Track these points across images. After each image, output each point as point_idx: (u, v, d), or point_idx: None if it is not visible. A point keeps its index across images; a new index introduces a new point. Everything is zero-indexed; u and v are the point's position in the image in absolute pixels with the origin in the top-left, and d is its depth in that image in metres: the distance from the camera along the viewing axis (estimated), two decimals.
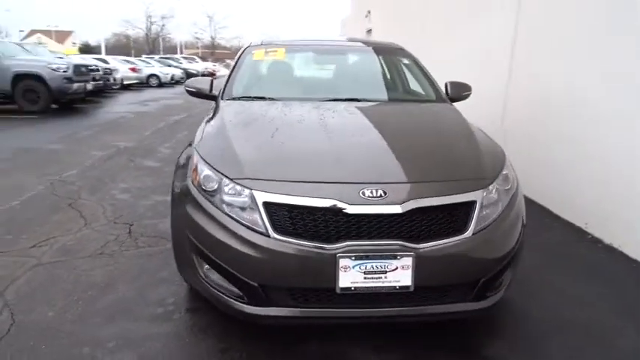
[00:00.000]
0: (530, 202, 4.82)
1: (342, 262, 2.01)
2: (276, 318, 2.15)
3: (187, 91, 3.53)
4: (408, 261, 2.03)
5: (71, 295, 2.83)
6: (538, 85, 4.87)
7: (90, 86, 12.62)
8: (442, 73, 4.25)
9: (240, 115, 2.88)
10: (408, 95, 3.33)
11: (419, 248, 2.05)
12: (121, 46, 62.93)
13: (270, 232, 2.06)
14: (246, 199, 2.12)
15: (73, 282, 3.01)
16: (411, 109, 3.03)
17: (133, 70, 21.30)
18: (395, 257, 2.03)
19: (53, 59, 11.80)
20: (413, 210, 2.06)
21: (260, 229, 2.07)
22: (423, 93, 3.48)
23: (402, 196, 2.07)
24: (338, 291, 2.04)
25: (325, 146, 2.44)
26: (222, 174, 2.23)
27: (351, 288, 2.04)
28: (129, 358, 2.27)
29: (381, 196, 2.06)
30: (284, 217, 2.06)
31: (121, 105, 14.38)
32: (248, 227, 2.09)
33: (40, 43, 61.76)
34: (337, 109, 2.96)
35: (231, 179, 2.19)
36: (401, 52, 3.89)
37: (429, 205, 2.08)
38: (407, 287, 2.06)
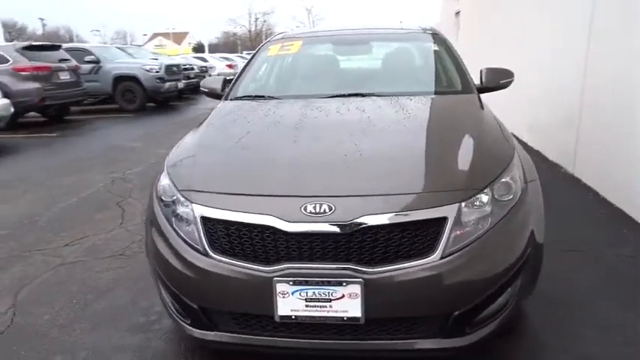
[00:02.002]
0: (604, 204, 4.12)
1: (280, 288, 1.77)
2: (220, 343, 1.97)
3: (202, 91, 3.46)
4: (356, 288, 1.73)
5: (72, 299, 2.89)
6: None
7: (181, 85, 13.30)
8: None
9: (224, 118, 2.71)
10: (424, 87, 2.91)
11: (370, 273, 1.73)
12: (231, 44, 66.40)
13: (208, 250, 1.87)
14: (190, 212, 1.95)
15: (80, 284, 3.08)
16: (418, 104, 2.63)
17: (230, 66, 22.16)
18: (340, 284, 1.74)
19: (147, 61, 12.61)
20: (364, 229, 1.74)
21: (198, 247, 1.89)
22: (446, 84, 3.04)
23: (351, 213, 1.76)
24: (277, 319, 1.80)
25: (287, 153, 2.17)
26: (174, 184, 2.09)
27: (291, 317, 1.79)
28: None
29: (325, 212, 1.77)
30: (221, 234, 1.86)
31: (214, 101, 15.02)
32: (188, 244, 1.93)
33: (160, 45, 67.29)
34: (330, 108, 2.67)
35: (179, 190, 2.04)
36: (429, 38, 3.45)
37: (383, 222, 1.75)
38: (356, 319, 1.76)
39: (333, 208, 1.77)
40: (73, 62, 10.75)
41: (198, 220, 1.90)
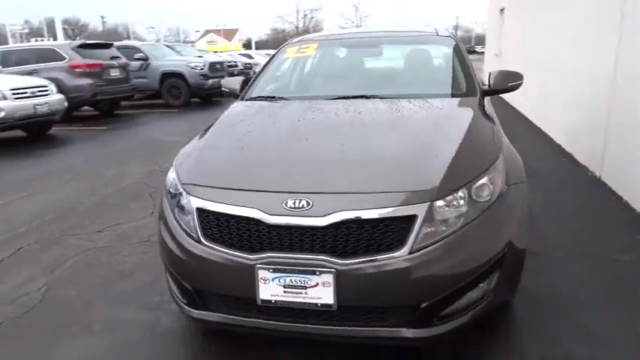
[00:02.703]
0: (627, 209, 4.05)
1: (261, 274, 1.95)
2: (212, 323, 2.17)
3: (223, 91, 3.69)
4: (329, 278, 1.89)
5: (97, 280, 3.19)
6: None
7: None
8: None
9: (233, 118, 2.92)
10: (426, 90, 3.00)
11: (342, 265, 1.88)
12: (281, 40, 67.26)
13: (201, 238, 2.08)
14: (189, 203, 2.17)
15: (106, 267, 3.38)
16: (415, 107, 2.73)
17: None
18: (314, 273, 1.90)
19: (193, 58, 13.11)
20: (337, 223, 1.90)
21: (193, 235, 2.11)
22: (449, 87, 3.12)
23: (327, 208, 1.91)
24: (259, 302, 1.98)
25: (277, 152, 2.36)
26: (179, 178, 2.31)
27: (271, 301, 1.97)
28: (99, 340, 2.52)
29: (303, 207, 1.93)
30: (213, 224, 2.06)
31: None
32: (185, 232, 2.14)
33: (211, 41, 69.01)
34: (330, 109, 2.82)
35: (182, 184, 2.25)
36: (441, 41, 3.53)
37: (355, 218, 1.89)
38: (329, 305, 1.91)
39: (311, 203, 1.93)
40: (123, 59, 11.36)
41: (194, 210, 2.11)
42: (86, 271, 3.34)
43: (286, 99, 3.13)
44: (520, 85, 3.25)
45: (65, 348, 2.46)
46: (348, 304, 1.93)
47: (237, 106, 3.14)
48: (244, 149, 2.44)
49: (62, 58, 10.25)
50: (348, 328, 1.97)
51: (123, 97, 11.62)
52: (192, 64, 12.48)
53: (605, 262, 3.15)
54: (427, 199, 1.93)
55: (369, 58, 3.61)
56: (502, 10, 12.90)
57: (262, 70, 3.61)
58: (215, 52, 24.05)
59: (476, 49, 53.41)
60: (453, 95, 2.93)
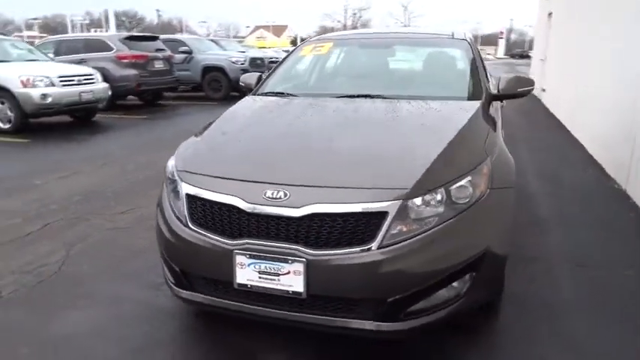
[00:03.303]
0: None
1: (239, 259, 2.07)
2: (196, 303, 2.31)
3: (241, 86, 3.84)
4: (300, 267, 1.98)
5: (111, 257, 3.41)
6: None
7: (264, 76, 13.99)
8: None
9: (238, 111, 3.05)
10: (429, 92, 3.02)
11: (313, 255, 1.97)
12: None
13: (188, 222, 2.22)
14: (181, 189, 2.31)
15: (121, 245, 3.60)
16: (413, 108, 2.77)
17: None
18: (287, 261, 2.00)
19: (234, 53, 13.43)
20: (311, 215, 1.99)
21: (182, 219, 2.25)
22: (454, 89, 3.13)
23: (302, 200, 2.01)
24: (235, 286, 2.10)
25: (265, 144, 2.49)
26: (176, 165, 2.46)
27: (247, 285, 2.08)
28: (99, 312, 2.72)
29: (280, 197, 2.04)
30: (199, 209, 2.20)
31: None
32: (176, 216, 2.29)
33: (261, 37, 70.05)
34: (331, 107, 2.91)
35: (177, 170, 2.40)
36: (454, 43, 3.54)
37: (327, 211, 1.98)
38: (299, 293, 2.01)
39: (288, 195, 2.04)
40: (168, 52, 11.79)
41: (184, 196, 2.25)
42: (102, 248, 3.57)
43: (294, 95, 3.24)
44: (530, 91, 3.23)
45: (67, 318, 2.67)
46: (318, 294, 2.02)
47: (246, 100, 3.28)
48: (237, 141, 2.57)
49: (110, 49, 10.76)
50: (318, 317, 2.06)
51: (165, 88, 12.06)
52: (234, 59, 12.80)
53: (607, 274, 3.09)
54: (400, 197, 1.99)
55: (380, 58, 3.67)
56: (550, 14, 12.53)
57: (277, 66, 3.73)
58: (262, 47, 24.46)
59: (529, 54, 51.84)
60: (456, 98, 2.96)
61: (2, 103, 8.08)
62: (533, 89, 3.24)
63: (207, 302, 2.25)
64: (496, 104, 3.27)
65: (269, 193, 2.05)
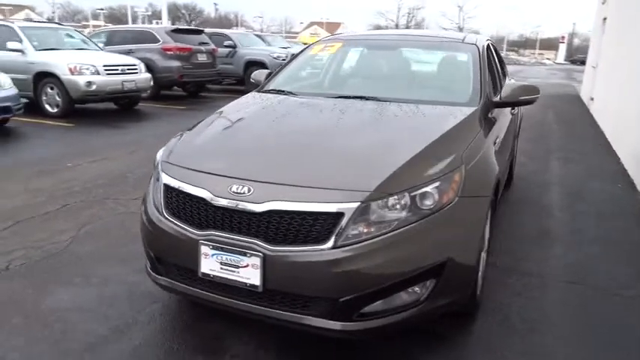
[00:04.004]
0: None
1: (203, 249, 2.15)
2: (166, 287, 2.42)
3: (252, 82, 3.93)
4: (257, 260, 2.04)
5: (114, 240, 3.59)
6: None
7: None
8: None
9: (234, 107, 3.14)
10: (424, 96, 2.99)
11: (270, 250, 2.03)
12: None
13: (163, 211, 2.32)
14: (160, 179, 2.42)
15: (126, 230, 3.78)
16: (401, 111, 2.76)
17: None
18: (245, 254, 2.06)
19: (277, 49, 13.62)
20: (271, 211, 2.04)
21: (159, 208, 2.36)
22: (450, 94, 3.08)
23: (264, 196, 2.07)
24: (199, 275, 2.18)
25: (243, 141, 2.58)
26: (161, 156, 2.58)
27: (209, 275, 2.16)
28: (90, 290, 2.88)
29: (244, 193, 2.10)
30: (173, 200, 2.30)
31: None
32: (154, 204, 2.40)
33: (314, 34, 70.41)
34: (321, 107, 2.95)
35: (162, 161, 2.52)
36: (462, 47, 3.47)
37: (285, 208, 2.02)
38: (255, 286, 2.07)
39: (252, 190, 2.10)
40: (211, 46, 12.11)
41: (162, 186, 2.36)
42: (110, 231, 3.76)
43: (293, 94, 3.29)
44: (534, 100, 3.16)
45: (60, 293, 2.85)
46: (274, 288, 2.07)
47: (246, 97, 3.37)
48: (218, 136, 2.66)
49: (157, 41, 11.17)
50: (275, 311, 2.11)
51: (208, 80, 12.40)
52: (275, 54, 12.98)
53: (600, 294, 2.97)
54: (358, 199, 2.01)
55: (383, 60, 3.66)
56: (604, 19, 11.95)
57: (286, 64, 3.79)
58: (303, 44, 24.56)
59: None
60: (449, 103, 2.91)
61: (52, 89, 8.59)
62: (537, 98, 3.16)
63: (177, 288, 2.35)
64: (496, 111, 3.19)
65: (234, 188, 2.12)
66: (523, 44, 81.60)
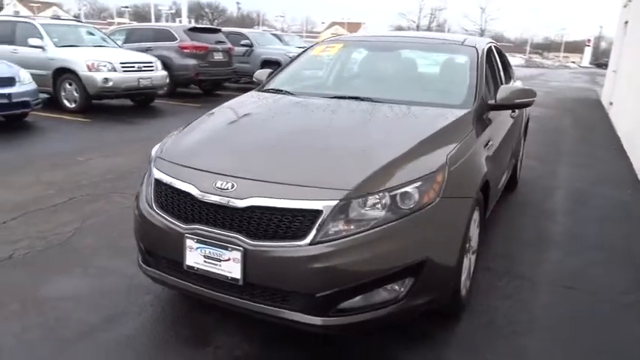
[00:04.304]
0: None
1: (188, 243, 2.21)
2: (155, 279, 2.49)
3: (254, 81, 4.00)
4: (238, 255, 2.10)
5: (115, 233, 3.68)
6: None
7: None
8: None
9: (231, 104, 3.21)
10: (417, 97, 3.00)
11: (250, 245, 2.08)
12: None
13: (153, 204, 2.40)
14: (152, 174, 2.50)
15: (129, 223, 3.84)
16: (392, 112, 2.78)
17: None
18: (227, 248, 2.12)
19: (293, 49, 13.70)
20: (252, 207, 2.09)
21: (149, 202, 2.43)
22: (444, 96, 3.09)
23: (246, 192, 2.12)
24: (185, 267, 2.25)
25: (235, 138, 2.64)
26: (155, 152, 2.65)
27: (194, 267, 2.22)
28: (87, 280, 2.99)
29: (228, 188, 2.15)
30: (162, 194, 2.37)
31: None
32: (146, 198, 2.48)
33: (335, 34, 70.48)
34: (314, 107, 2.99)
35: (156, 156, 2.59)
36: (461, 50, 3.48)
37: (266, 205, 2.07)
38: (236, 280, 2.12)
39: (235, 186, 2.15)
40: (228, 44, 12.24)
41: (153, 180, 2.43)
42: (112, 224, 3.86)
43: (290, 93, 3.33)
44: (530, 102, 3.17)
45: (58, 282, 2.95)
46: (254, 282, 2.13)
47: (244, 95, 3.43)
48: (210, 132, 2.73)
49: (174, 39, 11.34)
50: (255, 304, 2.16)
51: (223, 79, 12.53)
52: (291, 54, 13.02)
53: (594, 300, 2.95)
54: (337, 197, 2.05)
55: (381, 61, 3.67)
56: (626, 22, 11.73)
57: (287, 64, 3.85)
58: None
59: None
60: (442, 105, 2.93)
61: (70, 84, 8.80)
62: (533, 101, 3.16)
63: (165, 281, 2.41)
64: (492, 114, 3.18)
65: (219, 184, 2.18)
66: (547, 47, 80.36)
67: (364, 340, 2.46)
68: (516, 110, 3.91)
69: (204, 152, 2.51)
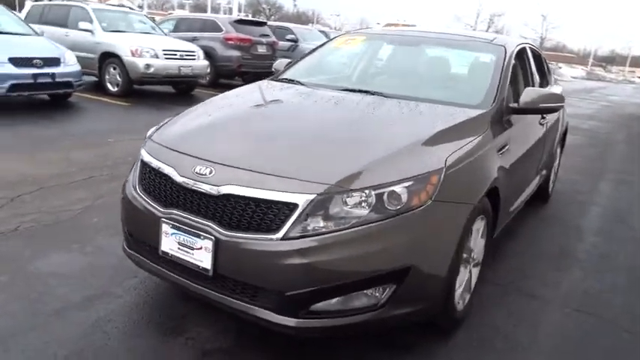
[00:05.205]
0: None
1: (164, 228, 2.14)
2: (136, 262, 2.43)
3: (273, 71, 3.91)
4: (209, 244, 2.00)
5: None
6: None
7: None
8: None
9: (238, 91, 3.12)
10: (433, 95, 2.80)
11: (222, 234, 1.98)
12: None
13: (137, 185, 2.34)
14: (140, 155, 2.45)
15: None
16: (401, 109, 2.60)
17: None
18: (199, 236, 2.03)
19: None
20: (226, 195, 1.99)
21: (134, 183, 2.38)
22: (463, 95, 2.88)
23: (222, 179, 2.01)
24: (160, 253, 2.18)
25: (224, 124, 2.56)
26: (148, 134, 2.60)
27: (168, 254, 2.15)
28: (83, 258, 2.99)
29: (205, 174, 2.06)
30: (146, 176, 2.31)
31: None
32: (132, 180, 2.43)
33: None
34: (319, 98, 2.85)
35: (147, 137, 2.54)
36: (487, 48, 3.25)
37: (240, 193, 1.96)
38: (206, 270, 2.03)
39: (213, 172, 2.06)
40: (272, 38, 12.27)
41: (139, 162, 2.38)
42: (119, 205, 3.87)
43: (301, 83, 3.21)
44: (558, 108, 2.94)
45: (53, 257, 2.96)
46: (224, 274, 2.02)
47: (255, 83, 3.34)
48: (205, 116, 2.64)
49: (220, 30, 11.47)
50: (225, 297, 2.06)
51: (265, 72, 12.55)
52: None
53: (606, 326, 2.68)
54: (315, 191, 1.92)
55: (402, 56, 3.49)
56: None
57: (305, 55, 3.73)
58: None
59: None
60: (456, 104, 2.72)
61: (114, 69, 9.04)
62: (561, 106, 2.92)
63: (144, 265, 2.35)
64: (515, 117, 2.94)
65: (197, 169, 2.09)
66: (612, 60, 76.46)
67: (344, 344, 2.32)
68: (547, 117, 3.64)
69: (192, 137, 2.42)
